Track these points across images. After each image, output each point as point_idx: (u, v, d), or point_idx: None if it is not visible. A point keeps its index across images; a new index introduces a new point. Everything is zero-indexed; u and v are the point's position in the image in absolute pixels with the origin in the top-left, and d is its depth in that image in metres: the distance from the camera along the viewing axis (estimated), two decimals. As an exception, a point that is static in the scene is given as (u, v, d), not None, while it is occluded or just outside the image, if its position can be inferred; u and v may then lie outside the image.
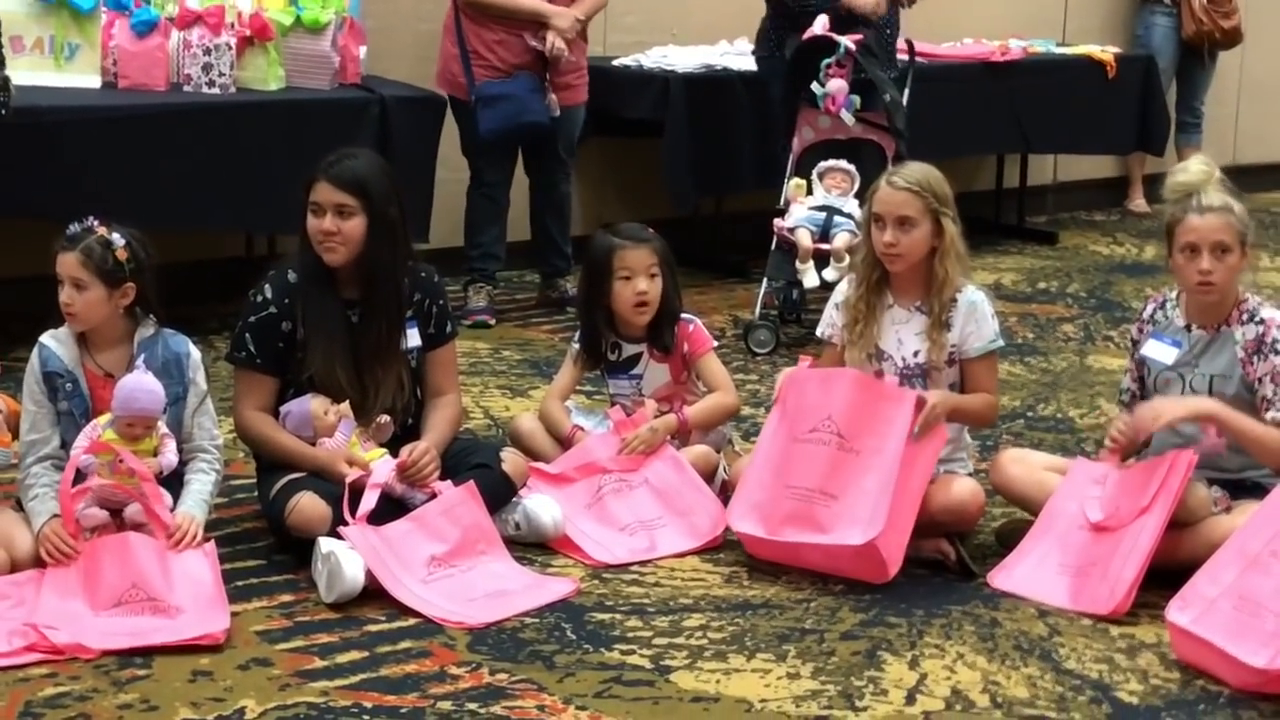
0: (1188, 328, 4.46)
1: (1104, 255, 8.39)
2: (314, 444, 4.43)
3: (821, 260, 6.44)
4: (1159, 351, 4.48)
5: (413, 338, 4.53)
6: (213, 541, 4.15)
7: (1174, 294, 4.55)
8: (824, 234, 6.48)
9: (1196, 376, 4.37)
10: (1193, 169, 4.43)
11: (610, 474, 4.68)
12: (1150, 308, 4.62)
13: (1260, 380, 4.30)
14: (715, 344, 5.02)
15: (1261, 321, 4.36)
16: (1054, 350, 6.67)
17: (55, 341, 4.21)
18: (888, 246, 4.52)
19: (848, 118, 6.67)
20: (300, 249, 4.51)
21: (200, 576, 4.04)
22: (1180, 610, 3.91)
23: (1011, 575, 4.34)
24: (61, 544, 4.00)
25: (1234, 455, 4.36)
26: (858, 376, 4.49)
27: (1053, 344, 6.76)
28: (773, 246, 6.61)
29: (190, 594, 3.99)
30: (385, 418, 4.47)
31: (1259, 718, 3.70)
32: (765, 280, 6.63)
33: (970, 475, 4.65)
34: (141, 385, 4.12)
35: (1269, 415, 4.26)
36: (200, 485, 4.24)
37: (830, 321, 4.74)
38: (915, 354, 4.59)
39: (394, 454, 4.43)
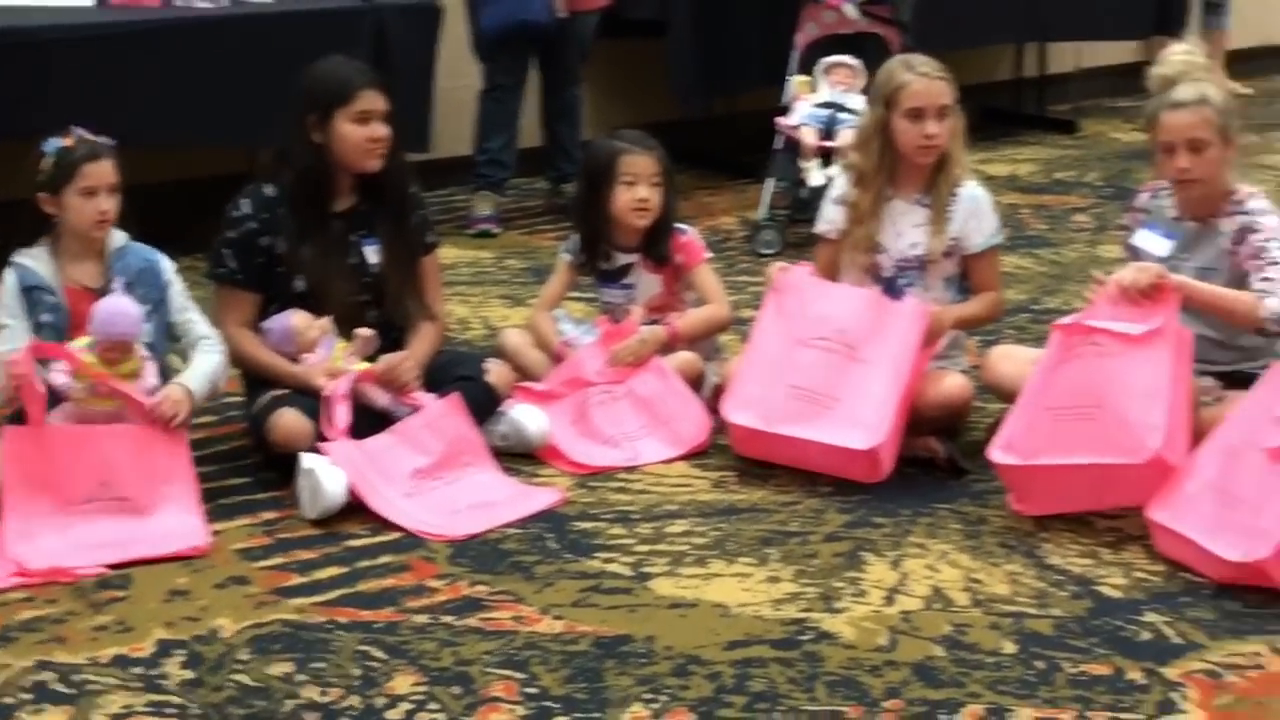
0: (1178, 219, 4.39)
1: (1124, 142, 8.27)
2: (297, 360, 4.42)
3: (826, 157, 6.37)
4: (1151, 243, 4.41)
5: (371, 255, 4.51)
6: (186, 433, 4.13)
7: (1167, 182, 4.47)
8: (829, 131, 6.41)
9: (1186, 269, 4.29)
10: (1173, 59, 4.34)
11: (596, 386, 4.66)
12: (1144, 197, 4.54)
13: (1248, 271, 4.21)
14: (710, 254, 4.97)
15: (1248, 212, 4.27)
16: (1064, 241, 6.59)
17: (30, 259, 4.21)
18: (928, 139, 4.47)
19: (851, 11, 6.61)
20: (298, 160, 4.47)
21: (173, 472, 4.04)
22: (1160, 506, 3.86)
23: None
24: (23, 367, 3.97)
25: (1226, 349, 4.29)
26: (866, 293, 4.47)
27: (1064, 235, 6.68)
28: (777, 145, 6.54)
29: (163, 493, 4.00)
30: (368, 331, 4.45)
31: (1243, 609, 3.66)
32: (770, 180, 6.57)
33: (964, 372, 4.61)
34: (119, 308, 4.11)
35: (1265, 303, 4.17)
36: (203, 361, 4.23)
37: (828, 218, 4.70)
38: (913, 246, 4.55)
39: (384, 370, 4.43)
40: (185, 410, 4.12)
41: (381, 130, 4.45)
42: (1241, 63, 9.17)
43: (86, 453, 4.01)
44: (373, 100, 4.46)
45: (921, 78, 4.50)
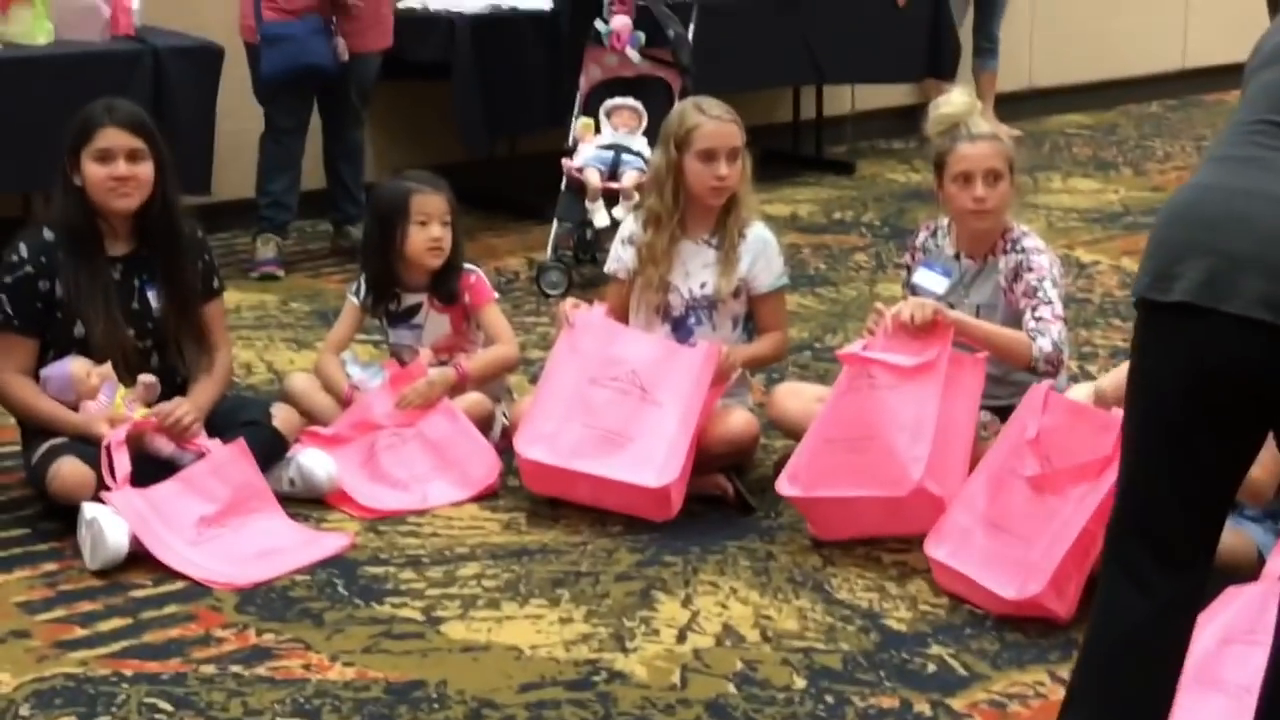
0: (956, 256, 4.50)
1: (900, 183, 8.44)
2: (77, 408, 4.32)
3: (611, 199, 6.41)
4: (930, 280, 4.51)
5: (153, 299, 4.44)
6: None
7: (945, 222, 4.58)
8: (613, 172, 6.45)
9: (964, 306, 4.40)
10: (956, 100, 4.45)
11: (385, 429, 4.63)
12: (922, 235, 4.65)
13: (1022, 308, 4.33)
14: (498, 295, 4.98)
15: (1022, 250, 4.40)
16: (845, 280, 6.70)
17: None
18: (720, 180, 4.53)
19: (633, 55, 6.64)
20: (61, 204, 4.39)
21: None
22: (936, 541, 3.95)
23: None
24: None
25: (1003, 384, 4.40)
26: (659, 340, 4.53)
27: (844, 274, 6.79)
28: (563, 187, 6.57)
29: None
30: (150, 378, 4.37)
31: (1024, 638, 3.75)
32: (556, 221, 6.60)
33: (749, 409, 4.66)
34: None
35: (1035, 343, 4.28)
36: None
37: (617, 257, 4.73)
38: (703, 286, 4.60)
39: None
40: None
41: (123, 169, 4.34)
42: (1007, 104, 9.43)
43: None
44: (114, 137, 4.35)
45: (714, 120, 4.56)
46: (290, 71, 6.48)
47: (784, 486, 4.19)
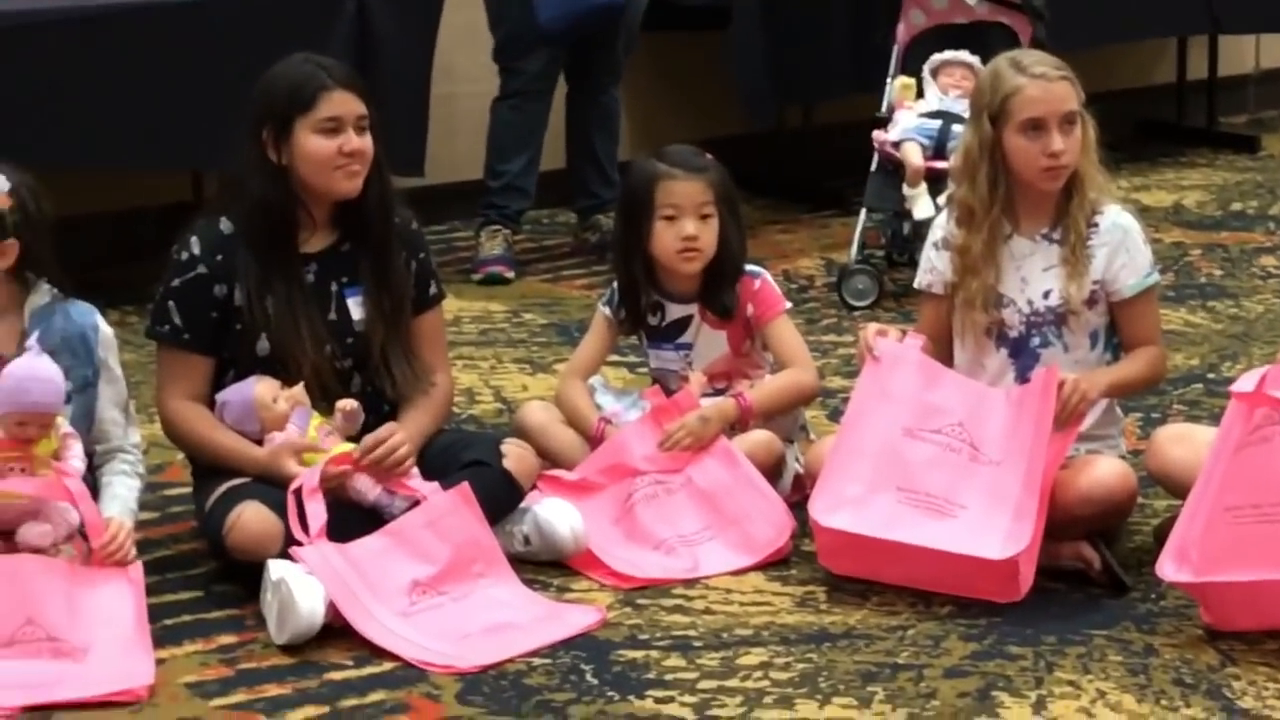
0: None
1: (1322, 165, 8.34)
2: (261, 441, 4.46)
3: (937, 182, 6.41)
4: None
5: (354, 308, 4.56)
6: (140, 565, 4.19)
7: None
8: (939, 149, 6.45)
9: None
10: None
11: (644, 476, 4.69)
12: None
13: None
14: (789, 305, 5.02)
15: None
16: (1248, 291, 6.63)
17: None
18: (1053, 157, 4.50)
19: (970, -8, 6.67)
20: (258, 187, 4.52)
21: (117, 612, 4.09)
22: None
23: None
24: None
25: None
26: (986, 389, 4.52)
27: (1247, 282, 6.72)
28: (873, 167, 6.59)
29: (103, 634, 4.04)
30: (352, 403, 4.49)
31: None
32: (864, 212, 6.62)
33: (1122, 457, 4.63)
34: (34, 373, 4.15)
35: None
36: (125, 489, 4.29)
37: (930, 267, 4.73)
38: (1046, 295, 4.59)
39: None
40: (131, 548, 4.17)
41: (356, 142, 4.48)
42: None
43: (12, 586, 4.04)
44: (343, 103, 4.49)
45: (1038, 81, 4.52)
46: (578, 17, 6.60)
47: (1168, 570, 4.15)
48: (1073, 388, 4.40)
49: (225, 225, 4.54)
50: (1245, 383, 4.22)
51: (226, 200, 4.63)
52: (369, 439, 4.43)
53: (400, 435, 4.43)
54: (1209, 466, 4.19)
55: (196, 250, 4.52)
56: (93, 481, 4.27)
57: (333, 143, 4.47)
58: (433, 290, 4.72)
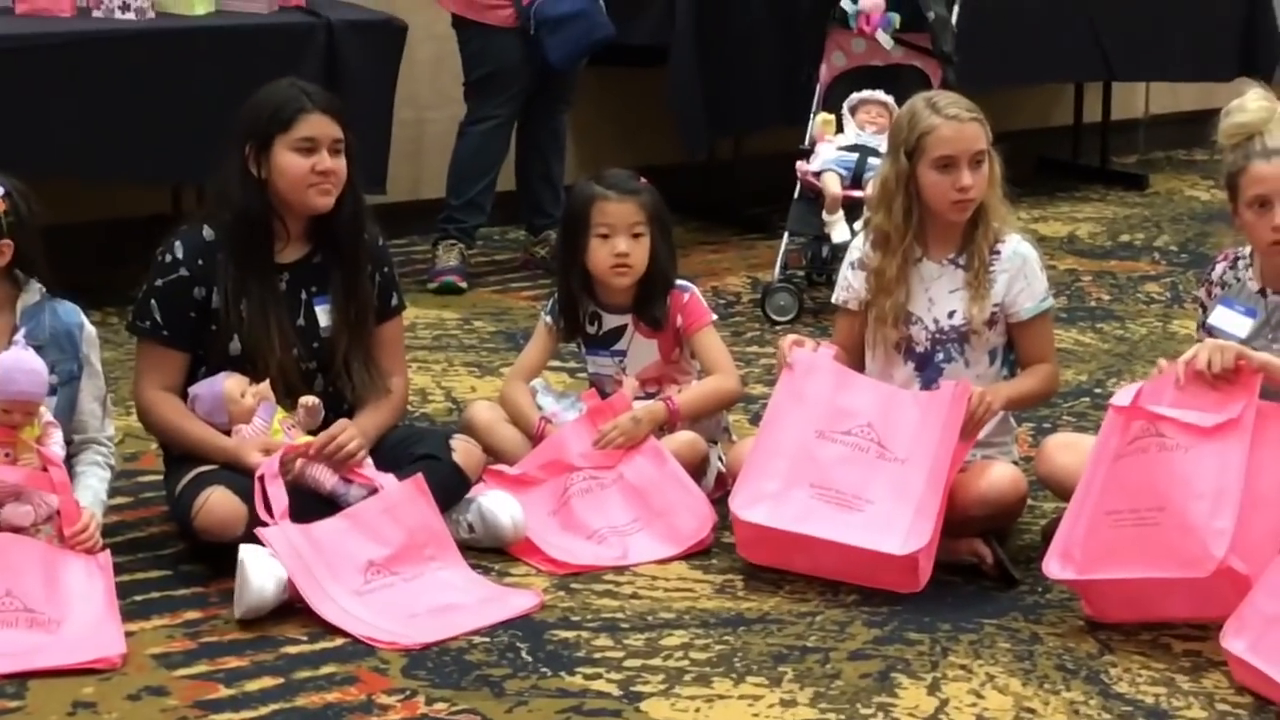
0: (1262, 292, 4.42)
1: (1202, 201, 8.34)
2: (229, 432, 4.43)
3: (853, 209, 6.41)
4: (1229, 321, 4.44)
5: (322, 315, 4.55)
6: (108, 552, 4.16)
7: (1248, 251, 4.51)
8: (856, 179, 6.46)
9: (1273, 352, 4.31)
10: (1250, 107, 4.39)
11: (580, 471, 4.68)
12: (1220, 268, 4.59)
13: None
14: (716, 317, 5.02)
15: (1349, 282, 4.32)
16: (1133, 315, 6.64)
17: None
18: (962, 191, 4.51)
19: (885, 39, 6.66)
20: (238, 199, 4.50)
21: (90, 590, 4.06)
22: (1236, 632, 3.88)
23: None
24: None
25: None
26: (895, 390, 4.53)
27: (1132, 307, 6.73)
28: (796, 195, 6.60)
29: (77, 609, 4.02)
30: (313, 400, 4.48)
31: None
32: (787, 235, 6.63)
33: (1015, 463, 4.64)
34: (21, 364, 4.12)
35: None
36: (96, 481, 4.27)
37: (846, 285, 4.73)
38: (950, 315, 4.60)
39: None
40: (99, 536, 4.15)
41: (329, 162, 4.47)
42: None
43: None
44: (319, 125, 4.49)
45: (951, 121, 4.53)
46: (583, 51, 6.66)
47: (1054, 569, 4.17)
48: (979, 399, 4.41)
49: (207, 232, 4.52)
50: (1122, 397, 4.24)
51: (208, 210, 4.60)
52: (323, 435, 4.42)
53: (352, 430, 4.43)
54: (1089, 473, 4.20)
55: (180, 254, 4.50)
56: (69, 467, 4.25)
57: (307, 161, 4.45)
58: (394, 301, 4.70)
